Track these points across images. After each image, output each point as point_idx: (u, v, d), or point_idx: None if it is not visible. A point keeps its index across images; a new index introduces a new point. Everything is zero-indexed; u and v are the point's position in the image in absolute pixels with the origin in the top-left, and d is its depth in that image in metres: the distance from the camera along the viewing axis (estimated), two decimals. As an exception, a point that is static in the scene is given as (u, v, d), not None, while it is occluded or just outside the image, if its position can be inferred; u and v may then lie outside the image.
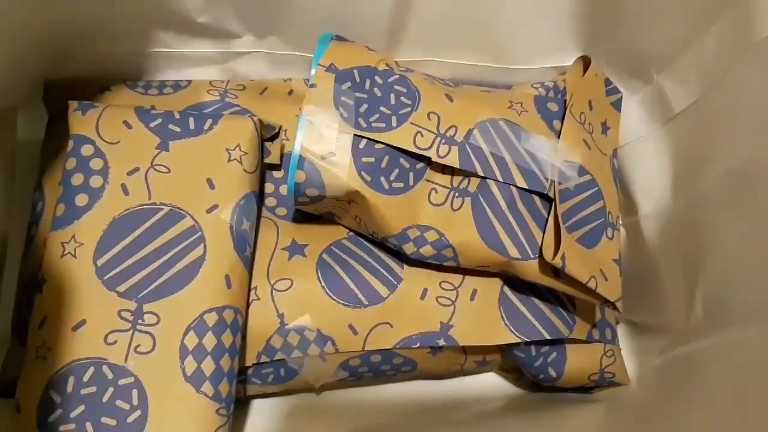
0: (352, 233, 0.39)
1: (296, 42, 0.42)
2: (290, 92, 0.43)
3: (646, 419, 0.38)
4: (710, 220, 0.37)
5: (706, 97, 0.37)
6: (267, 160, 0.39)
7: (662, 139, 0.41)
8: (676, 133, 0.40)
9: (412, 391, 0.43)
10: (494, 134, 0.36)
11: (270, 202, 0.40)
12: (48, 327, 0.31)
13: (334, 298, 0.37)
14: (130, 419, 0.30)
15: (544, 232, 0.35)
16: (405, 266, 0.38)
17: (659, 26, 0.38)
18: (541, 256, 0.35)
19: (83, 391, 0.30)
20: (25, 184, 0.41)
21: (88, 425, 0.30)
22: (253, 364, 0.36)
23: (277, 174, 0.41)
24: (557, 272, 0.35)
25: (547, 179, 0.35)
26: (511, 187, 0.35)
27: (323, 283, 0.37)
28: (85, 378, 0.31)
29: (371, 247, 0.39)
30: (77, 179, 0.34)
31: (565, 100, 0.38)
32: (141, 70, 0.42)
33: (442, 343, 0.37)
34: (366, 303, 0.37)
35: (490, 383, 0.44)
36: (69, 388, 0.30)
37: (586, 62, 0.41)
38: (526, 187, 0.35)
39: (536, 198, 0.36)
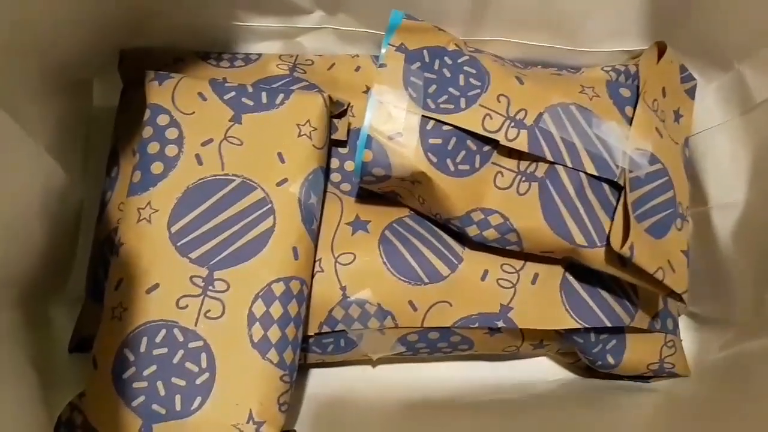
0: (413, 211, 0.40)
1: (365, 19, 0.42)
2: (357, 68, 0.43)
3: (704, 414, 0.37)
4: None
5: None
6: (334, 136, 0.40)
7: (739, 129, 0.39)
8: (754, 123, 0.38)
9: (465, 370, 0.44)
10: (565, 119, 0.35)
11: (335, 177, 0.40)
12: (124, 289, 0.33)
13: (395, 274, 0.37)
14: (198, 381, 0.32)
15: (612, 220, 0.35)
16: (466, 247, 0.38)
17: (745, 13, 0.37)
18: (608, 244, 0.34)
19: (155, 352, 0.32)
20: (98, 150, 0.42)
21: (159, 384, 0.32)
22: (315, 334, 0.37)
23: (342, 150, 0.41)
24: (623, 261, 0.34)
25: (617, 166, 0.35)
26: (580, 173, 0.35)
27: (385, 259, 0.37)
28: (158, 339, 0.32)
29: (433, 226, 0.39)
30: (153, 147, 0.35)
31: (637, 86, 0.38)
32: (213, 43, 0.43)
33: (501, 324, 0.37)
34: (426, 280, 0.37)
35: (545, 366, 0.45)
36: (142, 348, 0.32)
37: (661, 48, 0.40)
38: (596, 174, 0.35)
39: (605, 185, 0.35)
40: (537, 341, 0.40)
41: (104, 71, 0.42)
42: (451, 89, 0.35)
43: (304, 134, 0.36)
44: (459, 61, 0.36)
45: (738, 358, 0.38)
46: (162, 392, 0.31)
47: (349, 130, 0.41)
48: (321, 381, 0.42)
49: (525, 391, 0.43)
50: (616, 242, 0.33)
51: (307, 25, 0.43)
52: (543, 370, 0.44)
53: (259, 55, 0.43)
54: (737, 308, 0.39)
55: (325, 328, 0.37)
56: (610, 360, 0.39)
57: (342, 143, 0.41)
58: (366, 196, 0.40)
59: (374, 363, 0.43)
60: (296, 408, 0.40)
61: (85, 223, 0.42)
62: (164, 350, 0.32)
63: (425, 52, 0.36)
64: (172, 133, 0.35)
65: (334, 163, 0.41)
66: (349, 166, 0.41)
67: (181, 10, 0.40)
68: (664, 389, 0.41)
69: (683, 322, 0.43)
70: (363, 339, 0.38)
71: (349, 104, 0.40)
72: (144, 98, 0.37)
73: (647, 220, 0.35)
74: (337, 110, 0.39)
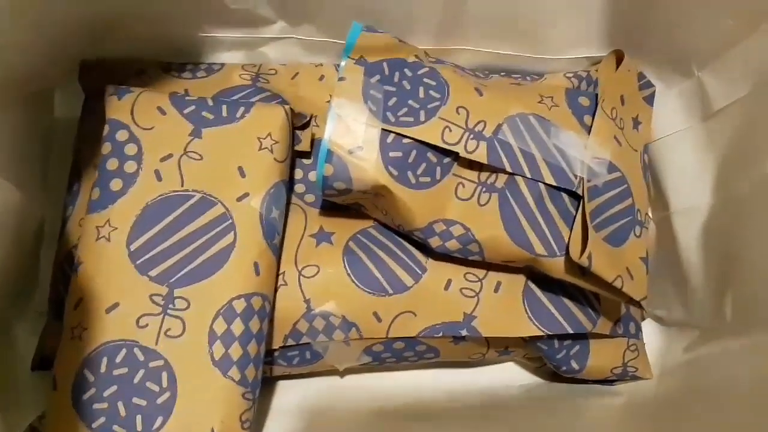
0: (378, 222, 0.39)
1: (329, 29, 0.41)
2: (321, 77, 0.43)
3: (667, 415, 0.38)
4: (744, 223, 0.36)
5: (751, 97, 0.36)
6: (297, 148, 0.39)
7: (699, 136, 0.40)
8: (714, 131, 0.39)
9: (433, 377, 0.44)
10: (523, 129, 0.35)
11: (299, 188, 0.40)
12: (83, 308, 0.33)
13: (360, 285, 0.37)
14: (159, 400, 0.32)
15: (571, 230, 0.35)
16: (430, 257, 0.38)
17: (705, 22, 0.37)
18: (567, 253, 0.35)
19: (116, 372, 0.32)
20: (61, 162, 0.41)
21: (120, 405, 0.31)
22: (280, 347, 0.37)
23: (306, 161, 0.41)
24: (583, 270, 0.35)
25: (575, 176, 0.35)
26: (540, 183, 0.35)
27: (349, 271, 0.37)
28: (118, 359, 0.32)
29: (397, 236, 0.39)
30: (112, 164, 0.35)
31: (596, 94, 0.38)
32: (175, 53, 0.42)
33: (464, 333, 0.37)
34: (390, 291, 0.37)
35: (511, 371, 0.45)
36: (102, 368, 0.32)
37: (618, 56, 0.40)
38: (555, 184, 0.35)
39: (564, 195, 0.36)
40: (502, 348, 0.40)
41: (66, 81, 0.41)
42: (410, 102, 0.35)
43: (265, 147, 0.36)
44: (419, 72, 0.36)
45: (700, 361, 0.38)
46: (123, 413, 0.31)
47: (312, 141, 0.41)
48: (288, 393, 0.42)
49: (492, 397, 0.43)
50: (574, 252, 0.33)
51: (270, 36, 0.42)
52: (509, 376, 0.45)
53: (222, 65, 0.42)
54: (698, 312, 0.39)
55: (290, 341, 0.37)
56: (575, 365, 0.40)
57: (306, 154, 0.41)
58: (330, 207, 0.40)
59: (341, 373, 0.43)
60: (262, 421, 0.40)
61: (49, 238, 0.41)
62: (124, 370, 0.32)
63: (385, 64, 0.36)
64: (131, 149, 0.35)
65: (298, 173, 0.41)
66: (313, 176, 0.40)
67: (144, 20, 0.40)
68: (627, 392, 0.41)
69: (648, 325, 0.44)
70: (328, 351, 0.38)
71: (312, 115, 0.40)
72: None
73: (605, 228, 0.35)
74: (299, 122, 0.39)
